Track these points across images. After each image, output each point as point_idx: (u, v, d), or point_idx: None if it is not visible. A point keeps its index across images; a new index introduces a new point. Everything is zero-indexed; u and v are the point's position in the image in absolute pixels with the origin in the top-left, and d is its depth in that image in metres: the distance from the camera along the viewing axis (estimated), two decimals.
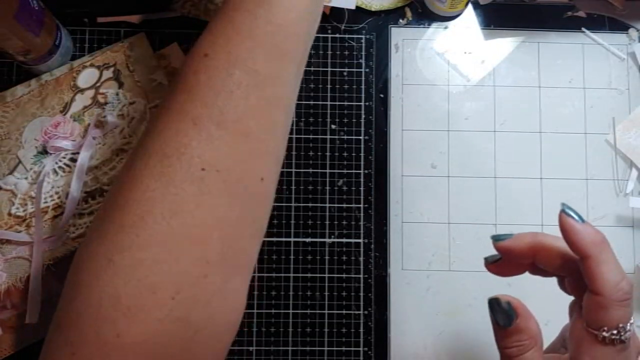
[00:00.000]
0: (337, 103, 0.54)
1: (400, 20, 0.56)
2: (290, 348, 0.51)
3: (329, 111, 0.53)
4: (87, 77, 0.50)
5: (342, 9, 0.54)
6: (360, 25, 0.55)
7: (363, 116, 0.54)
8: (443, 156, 0.53)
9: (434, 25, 0.56)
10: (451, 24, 0.56)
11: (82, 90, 0.49)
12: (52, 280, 0.46)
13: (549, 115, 0.54)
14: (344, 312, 0.51)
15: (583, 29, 0.56)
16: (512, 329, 0.33)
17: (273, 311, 0.51)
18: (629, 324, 0.30)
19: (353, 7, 0.53)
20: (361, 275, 0.52)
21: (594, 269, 0.30)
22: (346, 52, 0.54)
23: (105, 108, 0.48)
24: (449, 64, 0.55)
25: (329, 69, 0.54)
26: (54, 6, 0.50)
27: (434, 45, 0.55)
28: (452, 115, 0.54)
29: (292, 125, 0.53)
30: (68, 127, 0.48)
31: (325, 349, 0.51)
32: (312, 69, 0.54)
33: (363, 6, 0.55)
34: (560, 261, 0.33)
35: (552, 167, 0.54)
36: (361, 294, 0.51)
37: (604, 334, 0.30)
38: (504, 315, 0.33)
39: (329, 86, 0.54)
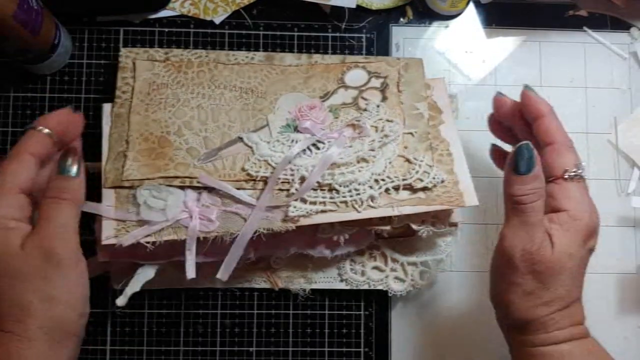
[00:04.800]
0: None
1: (401, 19, 0.55)
2: (290, 349, 0.51)
3: None
4: (355, 76, 0.49)
5: (343, 7, 0.54)
6: (361, 24, 0.55)
7: None
8: None
9: (435, 24, 0.55)
10: (452, 22, 0.56)
11: (346, 87, 0.49)
12: (250, 248, 0.45)
13: None
14: (345, 312, 0.51)
15: (585, 28, 0.55)
16: (532, 176, 0.37)
17: (273, 312, 0.51)
18: (581, 163, 0.39)
19: (353, 6, 0.53)
20: None
21: (547, 124, 0.40)
22: (347, 52, 0.54)
23: (363, 114, 0.47)
24: (450, 63, 0.55)
25: None
26: (52, 5, 0.49)
27: (435, 44, 0.55)
28: None
29: None
30: (322, 115, 0.47)
31: (326, 349, 0.51)
32: None
33: (364, 5, 0.54)
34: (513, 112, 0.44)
35: None
36: (362, 294, 0.51)
37: (567, 174, 0.38)
38: (527, 162, 0.37)
39: None
